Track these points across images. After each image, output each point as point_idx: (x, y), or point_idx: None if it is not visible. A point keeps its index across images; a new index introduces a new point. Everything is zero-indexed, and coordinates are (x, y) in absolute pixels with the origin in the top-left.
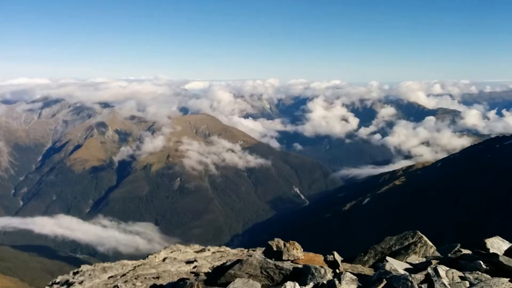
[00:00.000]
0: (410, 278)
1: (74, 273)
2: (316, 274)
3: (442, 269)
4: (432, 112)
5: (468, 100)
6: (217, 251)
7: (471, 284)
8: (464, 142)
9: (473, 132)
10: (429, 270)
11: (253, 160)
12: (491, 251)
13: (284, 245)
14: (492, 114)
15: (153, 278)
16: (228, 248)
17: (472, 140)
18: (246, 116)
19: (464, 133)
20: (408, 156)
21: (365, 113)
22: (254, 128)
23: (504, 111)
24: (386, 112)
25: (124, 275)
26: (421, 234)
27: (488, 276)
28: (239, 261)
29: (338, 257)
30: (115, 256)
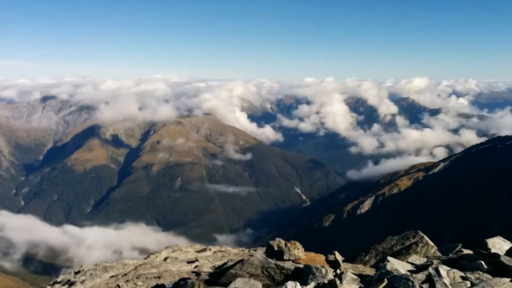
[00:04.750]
0: (411, 278)
1: (76, 273)
2: (317, 274)
3: (443, 269)
4: (434, 112)
5: (471, 100)
6: (218, 251)
7: (472, 284)
8: (465, 141)
9: (475, 132)
10: (430, 270)
11: (254, 160)
12: (492, 251)
13: (285, 244)
14: (494, 114)
15: (155, 277)
16: (229, 248)
17: (474, 139)
18: (247, 116)
19: (466, 133)
20: (409, 156)
21: (366, 112)
22: (255, 128)
23: (506, 111)
24: (388, 111)
25: (125, 274)
26: (422, 234)
27: (489, 276)
28: (240, 261)
29: (339, 257)
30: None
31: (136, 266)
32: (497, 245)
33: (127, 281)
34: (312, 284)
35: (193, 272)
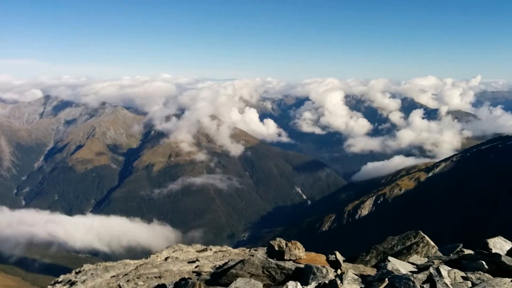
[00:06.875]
0: (412, 278)
1: (77, 272)
2: (318, 274)
3: (444, 269)
4: (435, 111)
5: (472, 99)
6: (219, 251)
7: (473, 284)
8: (466, 141)
9: (475, 131)
10: (431, 270)
11: (255, 160)
12: (493, 251)
13: (286, 244)
14: (495, 113)
15: (155, 277)
16: (230, 248)
17: (475, 139)
18: (248, 116)
19: (468, 133)
20: (410, 156)
21: (368, 112)
22: (256, 127)
23: (506, 111)
24: (390, 110)
25: (126, 274)
26: (423, 234)
27: (490, 276)
28: (241, 261)
29: (340, 257)
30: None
31: (137, 266)
32: (498, 245)
33: (128, 281)
34: (313, 284)
35: (193, 272)
